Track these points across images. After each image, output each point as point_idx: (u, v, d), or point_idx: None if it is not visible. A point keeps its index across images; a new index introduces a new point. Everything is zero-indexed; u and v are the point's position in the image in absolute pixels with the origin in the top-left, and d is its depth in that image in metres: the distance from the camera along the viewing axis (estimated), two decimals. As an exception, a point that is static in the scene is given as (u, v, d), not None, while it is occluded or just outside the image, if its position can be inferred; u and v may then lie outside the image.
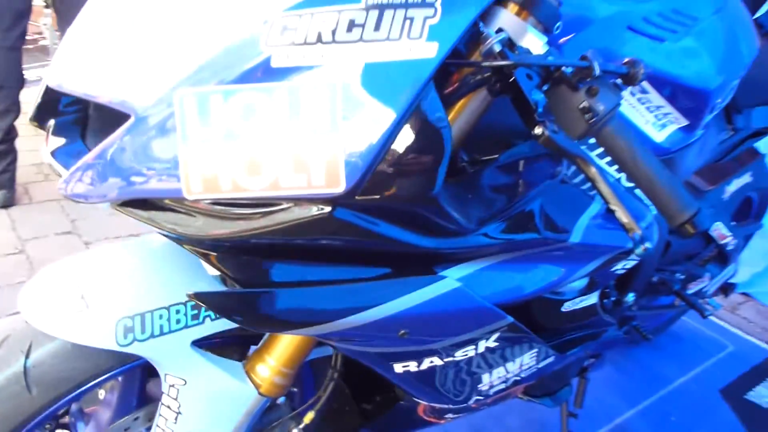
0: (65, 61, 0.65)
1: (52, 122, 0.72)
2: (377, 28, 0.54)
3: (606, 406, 1.85)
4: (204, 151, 0.55)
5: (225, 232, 0.59)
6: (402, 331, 0.72)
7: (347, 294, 0.66)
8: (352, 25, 0.54)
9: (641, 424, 1.82)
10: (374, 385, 1.12)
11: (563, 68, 0.65)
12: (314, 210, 0.58)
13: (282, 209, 0.59)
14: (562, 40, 0.82)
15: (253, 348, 0.93)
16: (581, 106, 0.64)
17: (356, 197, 0.55)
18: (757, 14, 1.73)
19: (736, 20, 0.95)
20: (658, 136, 0.91)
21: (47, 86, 0.71)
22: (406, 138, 0.56)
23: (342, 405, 1.15)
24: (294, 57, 0.54)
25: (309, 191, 0.55)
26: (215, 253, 0.63)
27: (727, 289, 1.93)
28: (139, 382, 0.95)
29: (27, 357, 0.77)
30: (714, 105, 0.92)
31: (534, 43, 0.68)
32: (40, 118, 0.71)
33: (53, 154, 0.70)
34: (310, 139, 0.54)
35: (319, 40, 0.54)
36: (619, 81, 0.68)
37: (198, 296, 0.66)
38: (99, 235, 2.37)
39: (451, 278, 0.72)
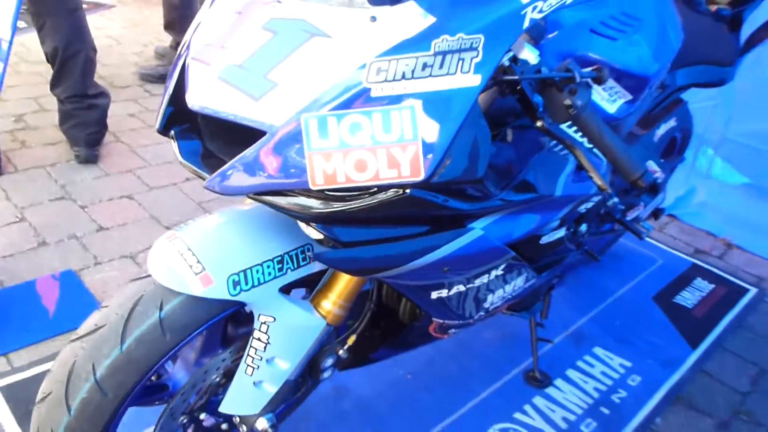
0: (201, 87, 0.87)
1: (172, 132, 0.94)
2: (441, 66, 0.79)
3: (563, 317, 2.21)
4: (324, 156, 0.80)
5: (336, 210, 0.84)
6: (446, 268, 1.00)
7: (412, 245, 0.94)
8: (425, 66, 0.79)
9: (592, 328, 2.20)
10: (388, 314, 1.41)
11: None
12: (394, 193, 0.84)
13: (374, 193, 0.84)
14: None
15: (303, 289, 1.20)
16: (565, 102, 0.91)
17: (431, 184, 0.82)
18: None
19: (668, 17, 1.23)
20: (611, 108, 1.20)
21: (167, 103, 0.93)
22: (463, 140, 0.82)
23: (368, 330, 1.43)
24: (386, 89, 0.79)
25: (399, 180, 0.81)
26: (324, 224, 0.88)
27: (657, 213, 2.29)
28: (222, 328, 1.20)
29: (161, 310, 1.00)
30: (652, 84, 1.21)
31: (529, 55, 0.94)
32: (164, 129, 0.94)
33: (183, 153, 0.93)
34: (399, 145, 0.79)
35: (403, 77, 0.79)
36: (591, 79, 0.95)
37: (317, 256, 0.92)
38: (92, 198, 2.53)
39: (477, 228, 1.00)
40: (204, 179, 0.89)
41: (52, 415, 1.01)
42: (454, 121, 0.80)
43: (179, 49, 0.99)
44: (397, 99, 0.79)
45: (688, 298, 2.48)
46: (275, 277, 1.05)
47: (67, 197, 2.52)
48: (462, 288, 1.13)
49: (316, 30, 0.82)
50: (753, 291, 2.59)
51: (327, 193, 0.84)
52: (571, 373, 1.99)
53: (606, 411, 1.86)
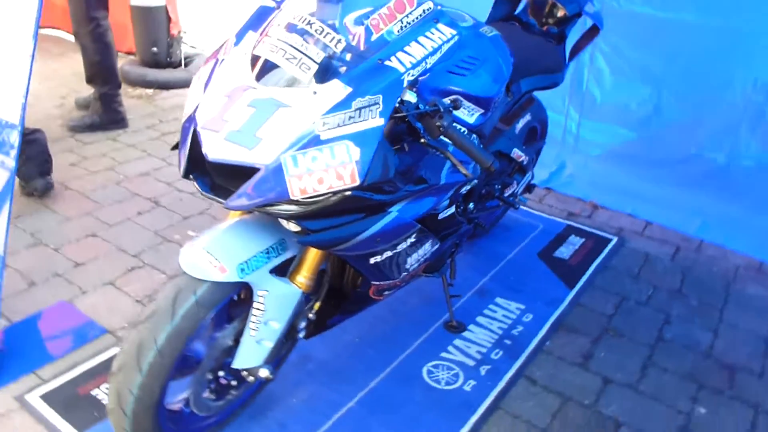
0: (214, 146, 1.36)
1: (191, 176, 1.44)
2: (360, 116, 1.33)
3: (469, 278, 2.79)
4: (297, 177, 1.32)
5: (307, 209, 1.37)
6: (378, 239, 1.55)
7: (355, 227, 1.47)
8: (350, 117, 1.33)
9: (492, 284, 2.80)
10: (338, 291, 1.94)
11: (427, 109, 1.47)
12: (342, 195, 1.37)
13: (329, 196, 1.37)
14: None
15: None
16: (436, 124, 1.47)
17: (363, 186, 1.36)
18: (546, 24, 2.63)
19: (500, 53, 1.82)
20: (471, 120, 1.76)
21: (186, 158, 1.43)
22: (378, 157, 1.36)
23: (325, 301, 1.94)
24: (328, 133, 1.32)
25: (344, 187, 1.34)
26: (299, 219, 1.41)
27: (530, 188, 2.92)
28: (226, 311, 1.69)
29: (195, 294, 1.49)
30: (495, 101, 1.79)
31: (410, 97, 1.49)
32: (186, 174, 1.43)
33: (203, 189, 1.43)
34: (341, 165, 1.33)
35: (338, 125, 1.32)
36: (450, 108, 1.51)
37: (300, 240, 1.44)
38: (62, 241, 2.91)
39: (393, 211, 1.55)
40: (221, 203, 1.39)
41: (128, 378, 1.48)
42: (371, 147, 1.34)
43: (183, 120, 1.48)
44: (337, 139, 1.33)
45: (564, 251, 3.13)
46: (265, 263, 1.56)
47: (40, 243, 2.89)
48: (390, 253, 1.68)
49: (281, 103, 1.35)
50: (614, 240, 3.29)
51: (300, 200, 1.37)
52: (480, 319, 2.57)
53: (509, 342, 2.46)
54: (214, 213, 3.23)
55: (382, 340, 2.40)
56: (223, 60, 1.49)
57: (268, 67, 1.41)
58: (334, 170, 1.33)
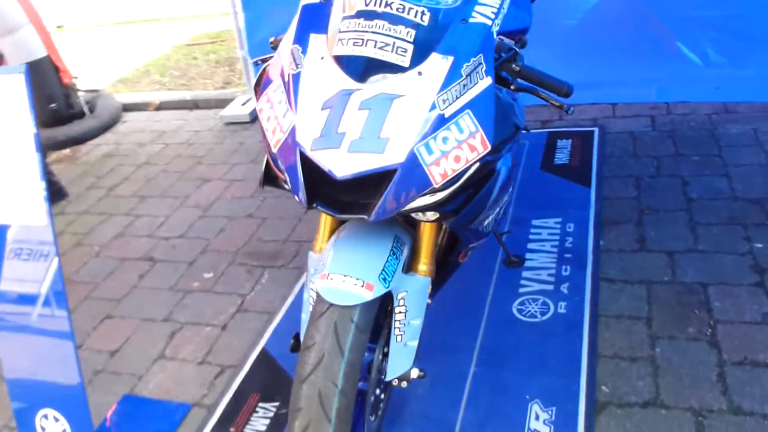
0: (340, 163, 1.25)
1: (314, 204, 1.33)
2: (471, 81, 1.28)
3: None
4: (435, 164, 1.26)
5: (451, 190, 1.32)
6: (497, 198, 1.51)
7: (482, 196, 1.43)
8: (464, 86, 1.27)
9: (520, 211, 2.82)
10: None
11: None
12: (477, 162, 1.32)
13: (463, 171, 1.32)
14: None
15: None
16: (514, 68, 1.43)
17: (493, 147, 1.31)
18: None
19: None
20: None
21: (304, 188, 1.31)
22: (497, 116, 1.32)
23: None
24: (450, 109, 1.26)
25: (478, 156, 1.29)
26: (440, 207, 1.35)
27: (518, 108, 2.94)
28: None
29: (353, 321, 1.40)
30: (530, 26, 1.77)
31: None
32: (310, 204, 1.32)
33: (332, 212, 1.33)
34: (471, 136, 1.27)
35: (456, 98, 1.26)
36: (519, 48, 1.48)
37: (451, 226, 1.38)
38: (81, 336, 2.68)
39: (501, 166, 1.52)
40: (363, 218, 1.29)
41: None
42: (490, 108, 1.30)
43: (274, 150, 1.36)
44: (458, 111, 1.27)
45: (561, 157, 3.20)
46: (396, 264, 1.49)
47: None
48: (498, 208, 1.65)
49: (393, 95, 1.27)
50: (596, 130, 3.39)
51: (441, 186, 1.31)
52: (531, 245, 2.61)
53: (569, 255, 2.51)
54: (217, 247, 3.07)
55: (459, 302, 2.38)
56: (298, 73, 1.36)
57: (354, 62, 1.32)
58: (465, 144, 1.28)
